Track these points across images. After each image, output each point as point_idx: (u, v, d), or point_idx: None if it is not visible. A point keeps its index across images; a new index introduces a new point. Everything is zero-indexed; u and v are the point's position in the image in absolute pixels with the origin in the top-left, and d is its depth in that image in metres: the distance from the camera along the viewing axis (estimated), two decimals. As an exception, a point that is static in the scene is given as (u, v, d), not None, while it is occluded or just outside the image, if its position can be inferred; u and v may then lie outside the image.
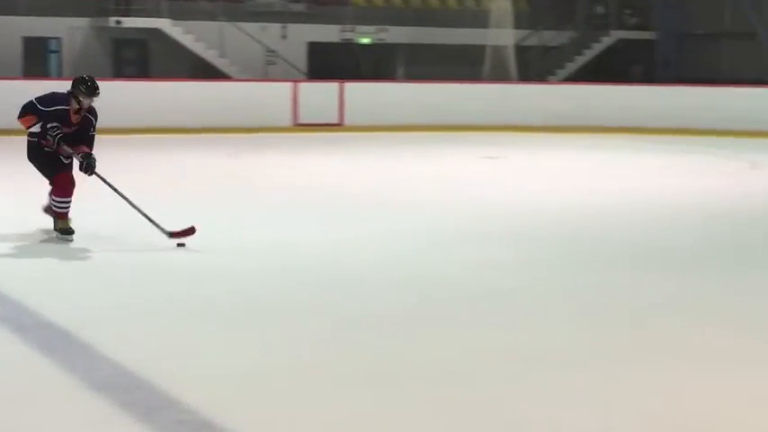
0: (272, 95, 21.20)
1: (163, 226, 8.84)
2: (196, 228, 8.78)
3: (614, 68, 27.53)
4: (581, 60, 28.04)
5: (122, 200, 9.02)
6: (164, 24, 24.57)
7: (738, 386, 5.44)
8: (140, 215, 8.94)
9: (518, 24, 27.30)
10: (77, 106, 8.90)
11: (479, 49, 26.25)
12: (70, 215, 9.09)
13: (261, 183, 13.69)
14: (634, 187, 14.00)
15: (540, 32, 28.09)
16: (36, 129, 8.93)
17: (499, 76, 25.35)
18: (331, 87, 21.67)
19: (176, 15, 24.75)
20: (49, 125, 8.87)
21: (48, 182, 9.15)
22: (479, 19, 27.19)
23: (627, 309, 7.10)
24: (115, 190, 9.07)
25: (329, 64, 25.29)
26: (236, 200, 12.20)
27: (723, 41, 27.98)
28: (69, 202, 9.03)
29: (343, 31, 26.60)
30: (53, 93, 9.00)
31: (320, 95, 21.45)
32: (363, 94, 21.85)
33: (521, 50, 26.86)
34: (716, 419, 4.95)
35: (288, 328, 6.41)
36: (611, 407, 5.08)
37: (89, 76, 9.07)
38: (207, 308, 6.88)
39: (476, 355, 5.90)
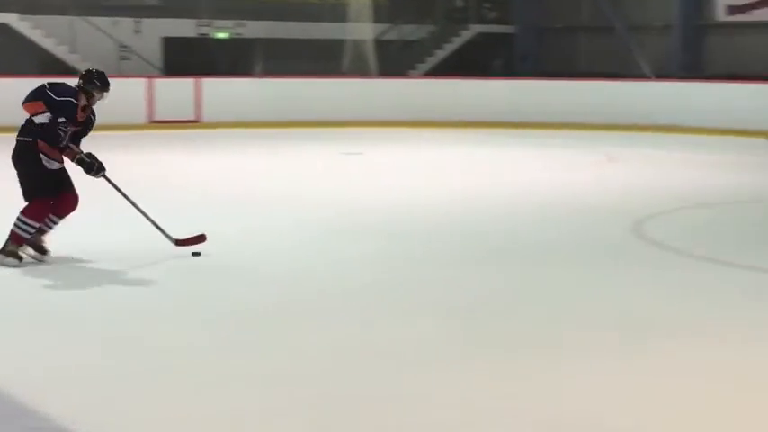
0: (126, 92, 20.77)
1: (170, 233, 8.64)
2: (205, 235, 8.64)
3: (475, 62, 27.91)
4: (441, 55, 28.34)
5: (127, 203, 8.71)
6: (11, 19, 23.90)
7: (567, 374, 5.64)
8: (149, 222, 8.69)
9: (377, 18, 27.45)
10: (85, 103, 8.28)
11: (339, 44, 26.36)
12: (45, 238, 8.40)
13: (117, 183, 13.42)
14: (494, 182, 14.22)
15: (400, 27, 28.29)
16: (42, 119, 8.08)
17: (359, 70, 25.51)
18: (187, 83, 21.52)
19: (25, 9, 24.12)
20: (59, 119, 8.12)
21: (24, 196, 8.25)
22: (338, 13, 27.25)
23: (480, 303, 7.25)
24: (123, 194, 8.69)
25: (185, 59, 25.00)
26: (92, 204, 12.00)
27: (581, 35, 28.61)
28: (36, 228, 8.25)
29: (200, 25, 26.33)
30: (64, 82, 8.31)
31: (176, 92, 21.31)
32: (221, 90, 21.80)
33: (380, 45, 27.03)
34: (556, 406, 5.13)
35: (146, 328, 6.38)
36: (468, 401, 5.18)
37: (99, 69, 8.52)
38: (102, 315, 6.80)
39: (333, 353, 5.96)
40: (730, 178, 14.62)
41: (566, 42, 28.72)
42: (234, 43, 26.83)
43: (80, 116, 8.28)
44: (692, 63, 25.60)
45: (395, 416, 4.97)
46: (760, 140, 15.08)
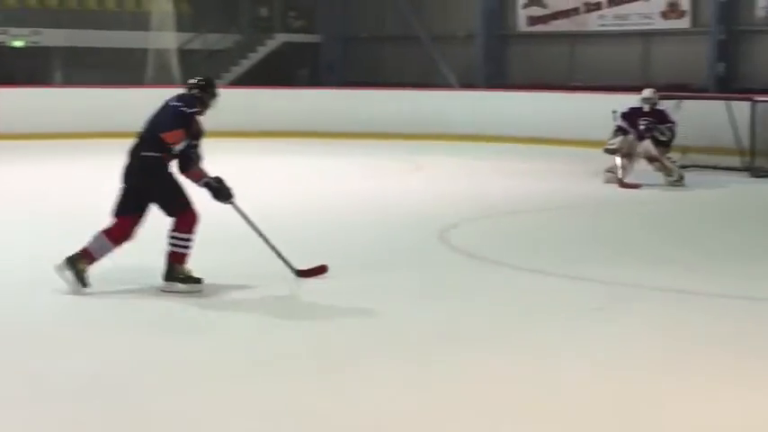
0: None
1: (291, 262, 8.23)
2: (327, 266, 8.27)
3: (281, 72, 28.06)
4: (247, 64, 28.38)
5: (252, 230, 8.25)
6: None
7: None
8: (269, 248, 8.26)
9: (181, 27, 27.19)
10: (201, 115, 7.94)
11: (142, 53, 26.13)
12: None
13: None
14: (305, 190, 14.40)
15: (204, 35, 28.18)
16: (181, 146, 7.68)
17: (163, 80, 25.29)
18: None
19: None
20: (192, 142, 7.76)
21: (169, 214, 7.78)
22: (140, 21, 26.95)
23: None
24: (249, 221, 8.29)
25: None
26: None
27: (386, 45, 29.08)
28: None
29: None
30: (185, 93, 7.92)
31: None
32: (17, 101, 21.31)
33: (185, 54, 26.79)
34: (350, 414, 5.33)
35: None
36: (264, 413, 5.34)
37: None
38: None
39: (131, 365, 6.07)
40: (541, 186, 14.97)
41: (372, 52, 29.11)
42: (31, 52, 26.28)
43: (195, 128, 7.93)
44: (496, 72, 26.38)
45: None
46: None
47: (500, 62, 26.78)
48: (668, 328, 7.07)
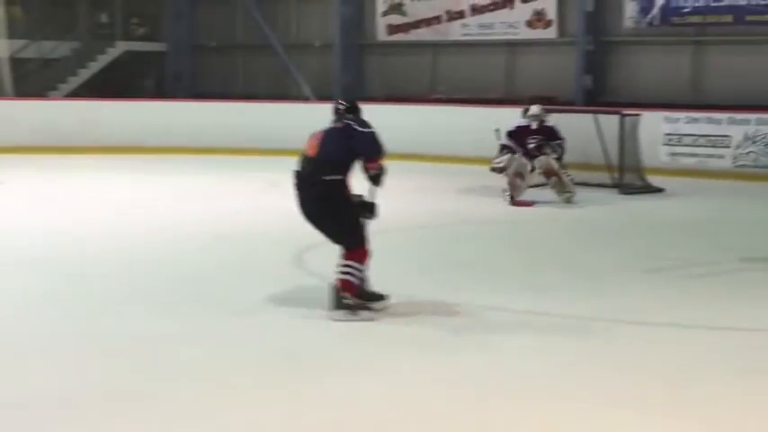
0: None
1: None
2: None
3: (124, 82, 26.95)
4: (86, 74, 27.20)
5: None
6: None
7: None
8: None
9: (12, 33, 26.03)
10: None
11: None
12: None
13: None
14: (146, 213, 13.63)
15: (39, 43, 26.85)
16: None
17: None
18: None
19: None
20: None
21: (340, 241, 8.05)
22: None
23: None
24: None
25: None
26: None
27: (237, 54, 28.25)
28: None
29: None
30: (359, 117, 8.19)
31: None
32: None
33: (17, 63, 25.62)
34: None
35: None
36: None
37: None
38: None
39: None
40: (404, 204, 14.40)
41: (222, 62, 28.29)
42: None
43: None
44: (354, 84, 25.72)
45: None
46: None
47: (358, 73, 26.17)
48: (538, 351, 7.19)
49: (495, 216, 13.87)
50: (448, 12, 24.74)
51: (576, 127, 16.79)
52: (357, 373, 6.58)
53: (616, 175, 16.99)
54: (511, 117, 16.03)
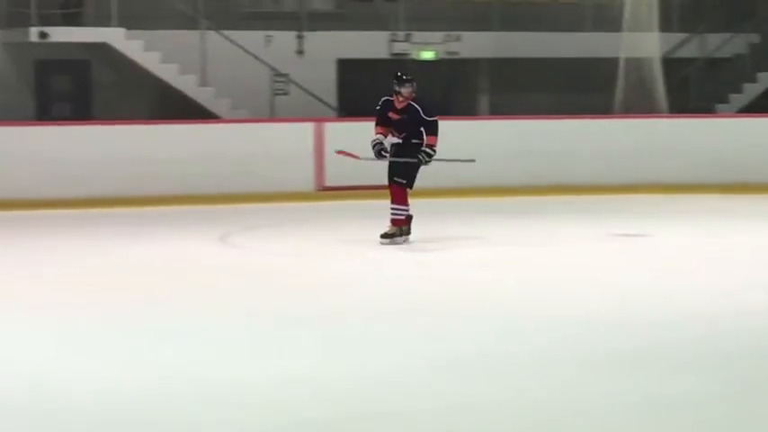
0: (284, 143, 17.30)
1: None
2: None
3: None
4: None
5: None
6: (113, 36, 19.86)
7: None
8: None
9: (667, 25, 22.21)
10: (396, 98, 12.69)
11: (605, 65, 21.14)
12: None
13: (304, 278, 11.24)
14: None
15: (703, 36, 23.13)
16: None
17: (638, 106, 20.71)
18: (367, 128, 17.96)
19: (132, 22, 19.79)
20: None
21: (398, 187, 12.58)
22: (604, 19, 22.23)
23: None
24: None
25: (369, 93, 21.22)
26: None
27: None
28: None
29: (394, 40, 22.21)
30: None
31: (358, 140, 17.49)
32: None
33: (672, 65, 21.78)
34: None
35: None
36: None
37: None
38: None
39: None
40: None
41: None
42: (446, 66, 22.46)
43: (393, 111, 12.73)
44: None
45: None
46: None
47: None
48: None
49: None
50: None
51: None
52: None
53: None
54: None
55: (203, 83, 20.24)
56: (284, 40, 21.28)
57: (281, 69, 20.86)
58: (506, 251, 12.90)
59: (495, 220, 15.51)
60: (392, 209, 12.55)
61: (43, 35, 19.43)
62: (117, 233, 14.10)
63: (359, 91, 21.04)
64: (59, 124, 18.35)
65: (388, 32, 21.84)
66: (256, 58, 20.50)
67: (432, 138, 12.37)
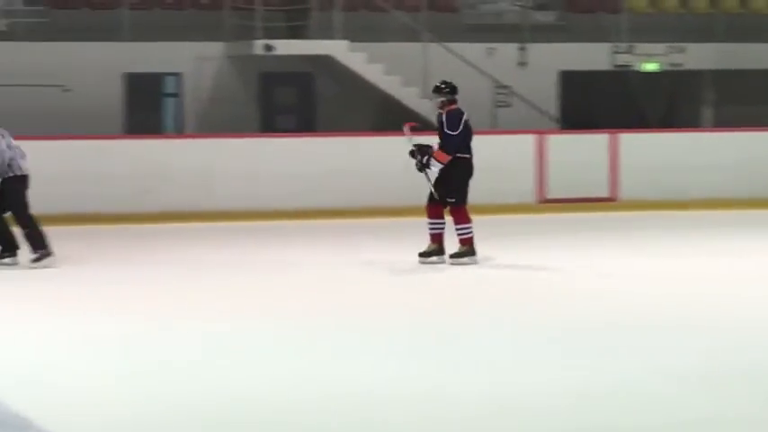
0: (506, 155, 17.35)
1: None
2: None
3: None
4: None
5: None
6: (337, 49, 20.16)
7: None
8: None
9: None
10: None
11: None
12: None
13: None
14: None
15: None
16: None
17: None
18: (596, 142, 17.75)
19: (355, 35, 20.12)
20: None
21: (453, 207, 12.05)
22: None
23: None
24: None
25: (594, 104, 21.07)
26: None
27: None
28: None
29: (617, 52, 21.79)
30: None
31: (580, 154, 17.47)
32: (646, 151, 17.84)
33: None
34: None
35: None
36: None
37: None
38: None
39: None
40: None
41: None
42: (669, 78, 22.07)
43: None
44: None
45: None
46: None
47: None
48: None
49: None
50: None
51: None
52: None
53: None
54: None
55: (425, 95, 20.23)
56: (506, 51, 21.30)
57: (502, 81, 20.86)
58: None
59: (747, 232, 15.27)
60: (456, 229, 12.09)
61: (268, 48, 19.72)
62: (346, 244, 14.37)
63: (581, 103, 21.05)
64: (283, 136, 18.75)
65: (611, 44, 21.59)
66: (478, 69, 20.55)
67: (439, 153, 12.03)
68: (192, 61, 20.44)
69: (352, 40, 20.28)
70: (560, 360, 7.99)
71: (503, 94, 20.96)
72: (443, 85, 12.27)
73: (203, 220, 15.98)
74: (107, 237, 15.00)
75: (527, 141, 17.70)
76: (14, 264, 12.23)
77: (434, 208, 12.10)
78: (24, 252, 12.22)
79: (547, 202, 17.29)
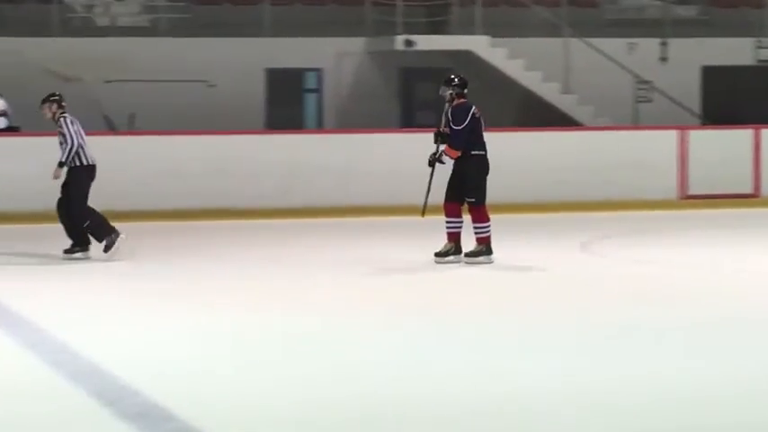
0: (647, 150, 17.11)
1: None
2: None
3: None
4: None
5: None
6: (478, 44, 20.25)
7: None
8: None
9: None
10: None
11: None
12: None
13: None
14: None
15: None
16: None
17: None
18: (740, 137, 17.57)
19: (496, 30, 20.18)
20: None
21: (472, 206, 11.76)
22: None
23: None
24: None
25: (730, 99, 20.91)
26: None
27: None
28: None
29: (761, 47, 21.52)
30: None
31: (722, 149, 17.28)
32: None
33: None
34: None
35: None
36: None
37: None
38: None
39: None
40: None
41: None
42: None
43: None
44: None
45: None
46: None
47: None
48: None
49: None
50: None
51: None
52: None
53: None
54: None
55: (566, 90, 20.21)
56: (647, 46, 21.14)
57: (644, 76, 20.70)
58: None
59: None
60: (474, 227, 11.73)
61: (409, 43, 19.83)
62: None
63: (723, 98, 20.75)
64: (423, 131, 18.55)
65: (754, 39, 21.34)
66: (619, 65, 20.44)
67: (449, 148, 11.80)
68: (332, 57, 20.61)
69: (493, 35, 20.30)
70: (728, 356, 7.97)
71: (644, 89, 20.81)
72: (454, 79, 11.86)
73: (342, 215, 15.91)
74: (254, 231, 15.01)
75: (669, 137, 17.46)
76: (86, 258, 11.98)
77: (453, 206, 11.78)
78: (95, 246, 12.00)
79: (689, 198, 17.11)
